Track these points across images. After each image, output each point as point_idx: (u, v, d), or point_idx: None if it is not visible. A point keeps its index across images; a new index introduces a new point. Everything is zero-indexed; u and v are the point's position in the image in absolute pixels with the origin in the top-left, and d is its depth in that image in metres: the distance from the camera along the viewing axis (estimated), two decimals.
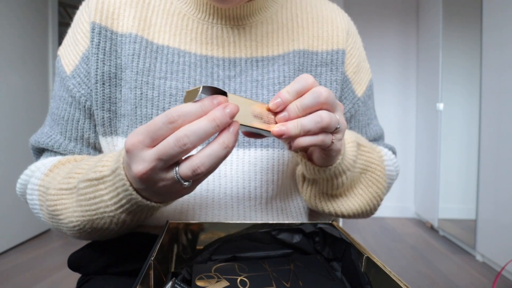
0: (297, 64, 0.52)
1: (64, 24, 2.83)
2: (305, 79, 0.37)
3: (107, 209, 0.39)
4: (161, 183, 0.33)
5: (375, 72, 3.05)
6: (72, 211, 0.42)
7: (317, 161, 0.44)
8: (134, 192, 0.36)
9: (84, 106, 0.51)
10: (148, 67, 0.49)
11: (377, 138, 0.63)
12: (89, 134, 0.52)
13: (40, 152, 0.56)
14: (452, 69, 2.57)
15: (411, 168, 3.10)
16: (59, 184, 0.44)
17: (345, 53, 0.55)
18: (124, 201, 0.37)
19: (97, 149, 0.54)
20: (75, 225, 0.42)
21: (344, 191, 0.50)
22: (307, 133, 0.36)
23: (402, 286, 0.29)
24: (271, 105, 0.36)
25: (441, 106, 2.56)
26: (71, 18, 3.20)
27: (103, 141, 0.51)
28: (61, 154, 0.53)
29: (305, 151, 0.45)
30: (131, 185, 0.36)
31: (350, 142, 0.48)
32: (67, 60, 0.52)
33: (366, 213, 0.53)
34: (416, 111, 3.08)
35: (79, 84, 0.50)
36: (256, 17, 0.53)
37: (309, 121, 0.36)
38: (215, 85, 0.50)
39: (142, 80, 0.48)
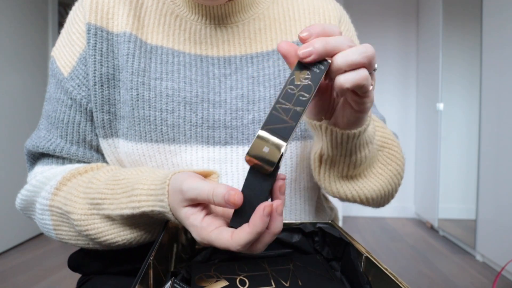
0: None
1: (64, 24, 2.83)
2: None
3: (157, 222, 0.43)
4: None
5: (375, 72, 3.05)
6: (117, 231, 0.43)
7: (345, 124, 0.39)
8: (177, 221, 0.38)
9: (86, 109, 0.50)
10: (143, 68, 0.48)
11: None
12: (91, 137, 0.51)
13: (36, 157, 0.54)
14: (452, 69, 2.57)
15: (411, 168, 3.10)
16: (88, 210, 0.44)
17: None
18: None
19: (100, 152, 0.53)
20: (119, 244, 0.44)
21: (363, 171, 0.47)
22: (351, 66, 0.31)
23: (401, 285, 0.29)
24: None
25: (441, 106, 2.56)
26: None
27: (104, 143, 0.51)
28: (63, 158, 0.52)
29: (329, 116, 0.41)
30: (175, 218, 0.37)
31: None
32: (63, 62, 0.51)
33: (388, 195, 0.51)
34: (416, 111, 3.08)
35: (79, 86, 0.49)
36: (247, 13, 0.53)
37: (354, 52, 0.31)
38: (211, 84, 0.50)
39: (138, 81, 0.48)
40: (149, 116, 0.48)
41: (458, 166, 2.58)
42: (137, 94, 0.48)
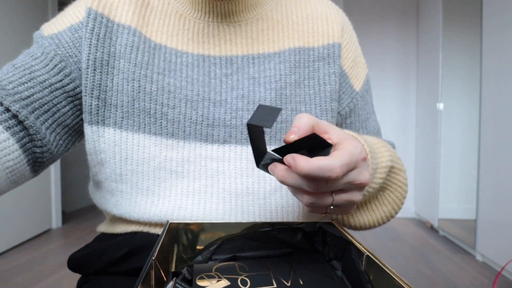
0: (293, 62, 0.53)
1: None
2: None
3: None
4: None
5: (375, 72, 3.06)
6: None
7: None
8: None
9: (55, 65, 0.47)
10: (146, 61, 0.49)
11: (376, 134, 0.63)
12: (38, 85, 0.46)
13: None
14: (452, 69, 2.57)
15: (411, 168, 3.10)
16: None
17: (341, 47, 0.55)
18: None
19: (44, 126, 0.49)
20: None
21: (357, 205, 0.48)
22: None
23: (402, 284, 0.29)
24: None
25: (441, 106, 2.56)
26: None
27: (88, 130, 0.49)
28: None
29: None
30: None
31: (383, 168, 0.44)
32: (49, 28, 0.50)
33: (374, 227, 0.52)
34: (416, 111, 3.08)
35: (57, 45, 0.48)
36: (251, 13, 0.54)
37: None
38: (212, 84, 0.51)
39: (140, 73, 0.48)
40: (150, 108, 0.48)
41: (458, 166, 2.59)
42: (139, 86, 0.48)
